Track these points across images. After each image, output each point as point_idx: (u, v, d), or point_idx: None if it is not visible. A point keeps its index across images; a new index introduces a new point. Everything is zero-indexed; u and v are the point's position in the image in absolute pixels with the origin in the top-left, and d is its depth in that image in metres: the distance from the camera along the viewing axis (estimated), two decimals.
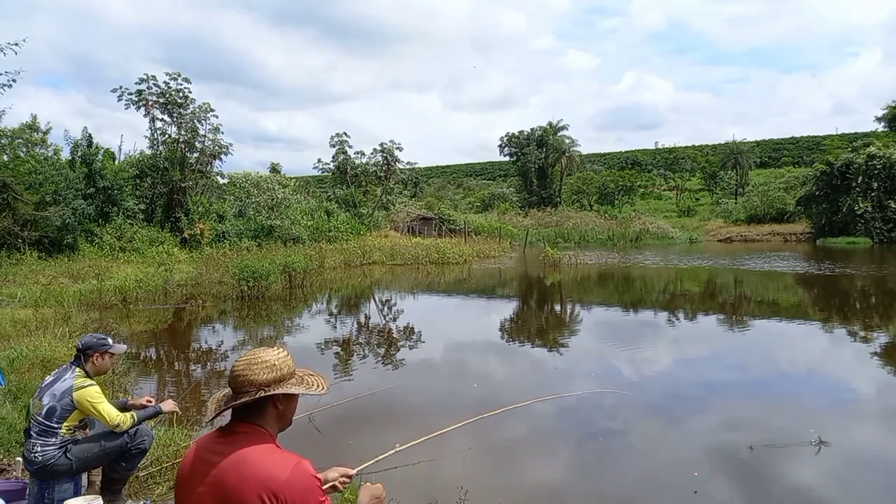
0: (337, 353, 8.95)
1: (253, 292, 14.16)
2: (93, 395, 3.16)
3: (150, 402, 3.58)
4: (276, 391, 1.73)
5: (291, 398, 1.80)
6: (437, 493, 3.85)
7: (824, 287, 16.70)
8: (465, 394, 6.56)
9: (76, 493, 3.15)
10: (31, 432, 3.09)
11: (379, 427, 5.44)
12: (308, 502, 1.59)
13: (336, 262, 22.83)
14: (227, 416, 1.82)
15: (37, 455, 3.04)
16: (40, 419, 3.07)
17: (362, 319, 12.26)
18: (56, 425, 3.07)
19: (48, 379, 3.26)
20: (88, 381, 3.21)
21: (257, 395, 1.70)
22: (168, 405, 3.61)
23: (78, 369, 3.24)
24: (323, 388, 1.84)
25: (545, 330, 10.93)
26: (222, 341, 9.70)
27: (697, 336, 10.22)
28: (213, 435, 1.75)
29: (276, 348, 1.83)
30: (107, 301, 12.47)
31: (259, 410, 1.73)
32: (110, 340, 3.41)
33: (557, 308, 14.01)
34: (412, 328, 10.88)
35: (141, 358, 8.30)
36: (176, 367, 8.20)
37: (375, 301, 15.16)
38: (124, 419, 3.24)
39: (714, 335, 10.19)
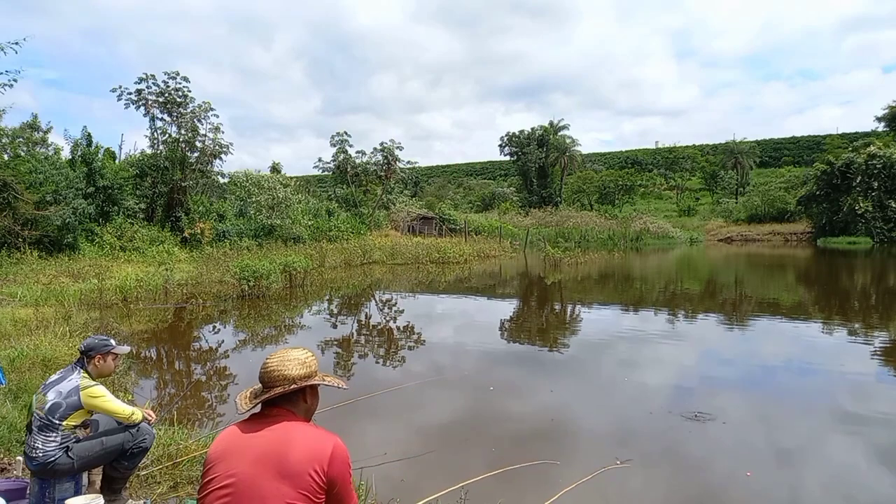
0: (337, 352, 8.94)
1: (253, 292, 14.16)
2: (99, 392, 3.19)
3: (150, 415, 3.52)
4: (307, 383, 1.93)
5: (315, 394, 2.03)
6: (437, 491, 3.84)
7: None
8: (469, 395, 6.55)
9: (77, 493, 3.15)
10: (33, 427, 3.10)
11: (379, 428, 5.43)
12: (345, 474, 1.84)
13: (336, 262, 22.83)
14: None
15: (38, 452, 3.04)
16: (42, 414, 3.08)
17: (363, 319, 12.25)
18: (58, 421, 3.08)
19: (53, 377, 3.26)
20: (94, 382, 3.23)
21: (290, 388, 1.89)
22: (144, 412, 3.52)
23: (83, 371, 3.25)
24: (342, 385, 2.08)
25: (549, 329, 10.92)
26: (223, 341, 9.69)
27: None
28: (247, 421, 1.90)
29: (302, 349, 2.04)
30: (107, 300, 12.47)
31: (290, 403, 1.93)
32: (113, 342, 3.41)
33: (565, 308, 14.00)
34: (413, 328, 10.88)
35: (141, 357, 8.29)
36: (176, 367, 8.20)
37: (376, 301, 15.15)
38: (135, 410, 3.28)
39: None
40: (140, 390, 6.52)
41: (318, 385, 2.00)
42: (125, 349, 3.54)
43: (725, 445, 4.93)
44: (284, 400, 1.91)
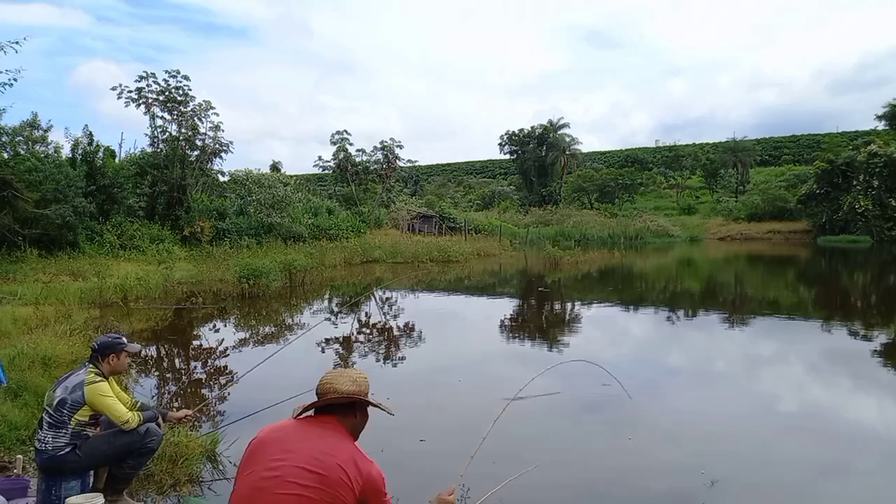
0: (337, 350, 8.95)
1: (253, 290, 14.16)
2: (103, 390, 3.21)
3: (188, 416, 3.88)
4: (354, 399, 2.09)
5: (366, 414, 2.21)
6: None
7: None
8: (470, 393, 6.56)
9: (83, 491, 3.16)
10: (43, 423, 3.14)
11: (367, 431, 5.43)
12: (382, 487, 2.01)
13: (337, 261, 22.83)
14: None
15: (47, 446, 3.08)
16: (51, 411, 3.12)
17: (362, 318, 12.26)
18: (66, 418, 3.11)
19: (65, 375, 3.33)
20: (100, 378, 3.25)
21: (338, 398, 2.07)
22: (178, 413, 3.83)
23: (91, 366, 3.29)
24: (391, 411, 2.25)
25: (549, 326, 10.93)
26: (223, 339, 9.70)
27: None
28: (301, 420, 2.10)
29: (357, 370, 2.25)
30: (107, 299, 12.46)
31: (341, 415, 2.10)
32: (125, 339, 3.46)
33: (564, 306, 14.00)
34: (412, 326, 10.88)
35: (141, 356, 8.29)
36: (176, 365, 8.21)
37: (375, 299, 15.16)
38: (132, 417, 3.27)
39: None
40: (140, 389, 6.52)
41: (368, 405, 2.18)
42: (136, 347, 3.62)
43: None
44: (336, 411, 2.09)
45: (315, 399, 2.15)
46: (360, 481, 1.90)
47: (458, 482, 2.48)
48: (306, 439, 1.96)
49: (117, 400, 3.29)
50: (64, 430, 3.10)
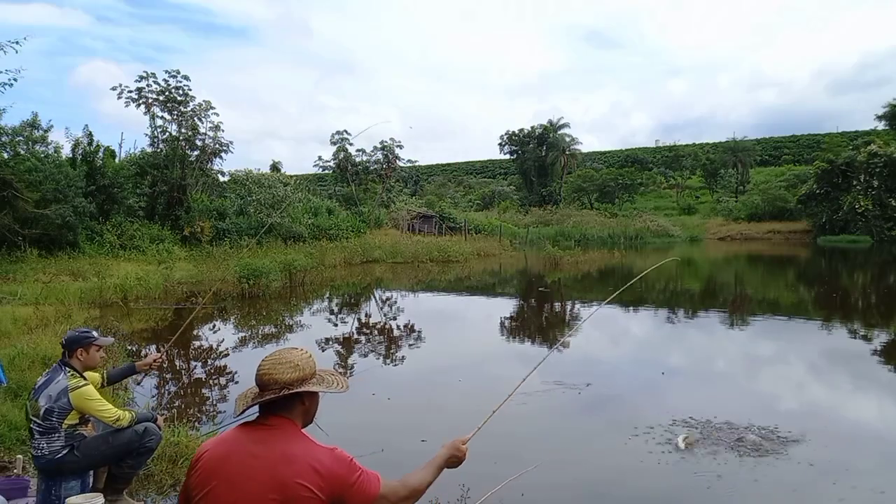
0: (338, 351, 8.95)
1: (253, 290, 14.16)
2: (89, 394, 3.14)
3: (157, 360, 3.95)
4: (299, 389, 1.82)
5: (314, 395, 1.91)
6: (438, 490, 3.84)
7: None
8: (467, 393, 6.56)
9: (83, 491, 3.14)
10: (34, 433, 3.09)
11: (367, 431, 5.44)
12: (350, 473, 1.76)
13: (337, 261, 22.83)
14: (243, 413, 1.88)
15: (44, 451, 3.05)
16: (39, 421, 3.06)
17: (362, 318, 12.26)
18: (56, 424, 3.07)
19: (40, 380, 3.21)
20: (83, 382, 3.17)
21: (281, 393, 1.80)
22: (147, 359, 3.94)
23: (69, 369, 3.19)
24: (343, 387, 1.94)
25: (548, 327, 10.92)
26: (223, 339, 9.70)
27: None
28: (245, 429, 1.83)
29: (299, 350, 1.93)
30: (107, 299, 12.46)
31: (287, 406, 1.84)
32: (95, 333, 3.35)
33: (564, 306, 14.00)
34: (412, 326, 10.88)
35: (142, 356, 8.29)
36: (176, 365, 8.21)
37: (376, 299, 15.16)
38: (122, 415, 3.22)
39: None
40: (140, 388, 6.52)
41: (315, 391, 1.88)
42: (109, 340, 3.51)
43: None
44: (280, 406, 1.82)
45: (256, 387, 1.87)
46: (324, 487, 1.69)
47: (474, 431, 2.24)
48: (255, 458, 1.71)
49: (104, 401, 3.23)
50: (57, 435, 3.06)
